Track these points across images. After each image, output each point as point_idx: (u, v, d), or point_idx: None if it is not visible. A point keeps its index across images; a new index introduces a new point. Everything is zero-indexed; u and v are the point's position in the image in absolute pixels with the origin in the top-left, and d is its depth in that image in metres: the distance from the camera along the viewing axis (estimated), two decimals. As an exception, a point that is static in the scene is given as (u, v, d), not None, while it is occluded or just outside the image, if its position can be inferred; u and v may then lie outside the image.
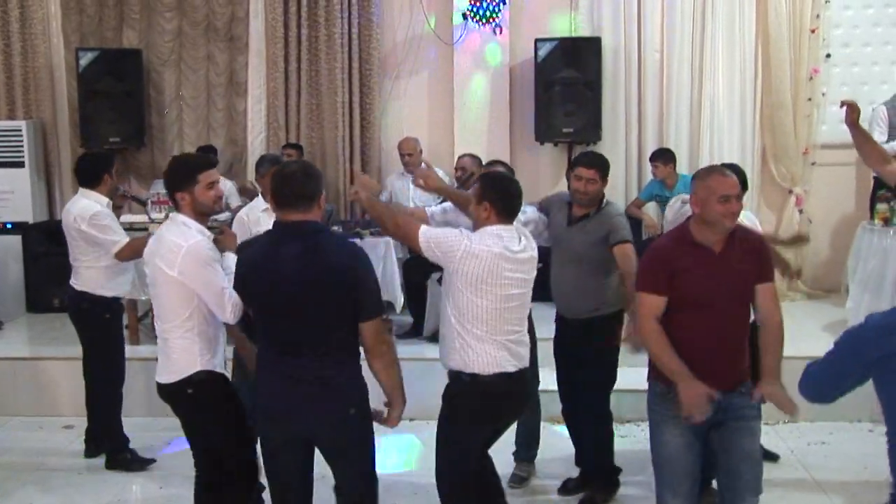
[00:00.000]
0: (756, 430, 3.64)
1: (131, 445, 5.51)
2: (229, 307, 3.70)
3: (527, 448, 5.18)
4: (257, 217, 5.55)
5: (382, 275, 6.58)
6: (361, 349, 3.46)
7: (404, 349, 6.61)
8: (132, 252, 5.17)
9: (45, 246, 7.92)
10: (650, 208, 7.95)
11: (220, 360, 3.89)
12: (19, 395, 6.58)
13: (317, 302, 3.31)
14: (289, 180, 3.38)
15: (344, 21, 8.29)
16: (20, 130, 8.40)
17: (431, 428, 3.94)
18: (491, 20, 8.00)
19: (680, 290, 3.49)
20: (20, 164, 8.40)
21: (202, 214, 3.89)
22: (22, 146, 8.39)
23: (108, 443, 5.52)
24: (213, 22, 8.58)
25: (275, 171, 3.59)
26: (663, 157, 7.55)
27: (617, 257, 4.53)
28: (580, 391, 4.88)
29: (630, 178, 8.37)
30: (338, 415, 3.39)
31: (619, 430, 6.03)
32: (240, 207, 7.33)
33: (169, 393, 3.88)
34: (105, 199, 5.36)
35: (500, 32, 8.13)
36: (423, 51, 8.46)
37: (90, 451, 5.62)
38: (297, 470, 3.53)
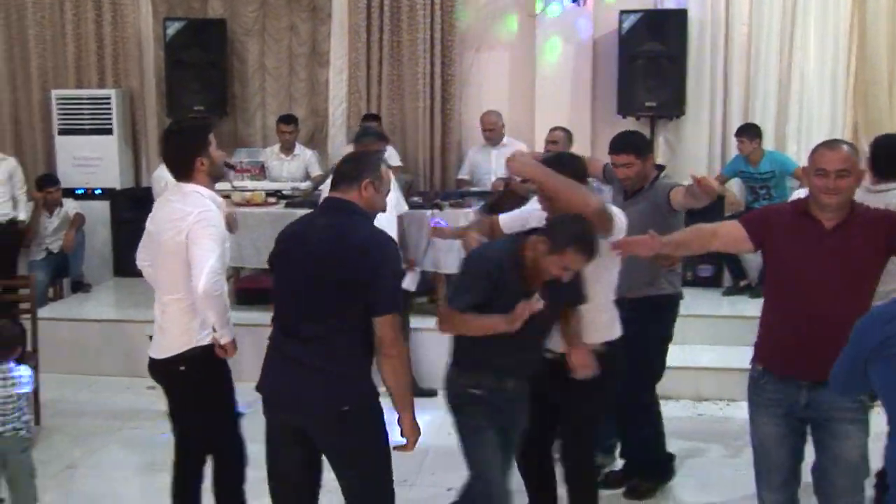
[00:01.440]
0: (851, 434, 3.29)
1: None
2: (208, 268, 3.47)
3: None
4: None
5: (461, 249, 6.57)
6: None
7: (481, 321, 6.65)
8: None
9: (132, 212, 8.09)
10: (733, 185, 7.82)
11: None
12: (106, 356, 6.78)
13: (328, 281, 3.13)
14: (341, 162, 3.43)
15: (427, -9, 8.26)
16: (109, 99, 8.60)
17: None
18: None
19: (781, 259, 3.36)
20: (109, 132, 8.62)
21: (215, 179, 3.79)
22: (111, 114, 8.60)
23: None
24: (297, -8, 8.63)
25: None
26: (749, 132, 7.39)
27: (678, 195, 4.31)
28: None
29: (713, 154, 8.20)
30: (331, 410, 3.13)
31: (696, 407, 6.00)
32: (321, 177, 7.42)
33: (161, 369, 3.72)
34: None
35: (584, 4, 8.01)
36: (506, 22, 8.39)
37: (173, 413, 5.76)
38: (296, 463, 3.30)
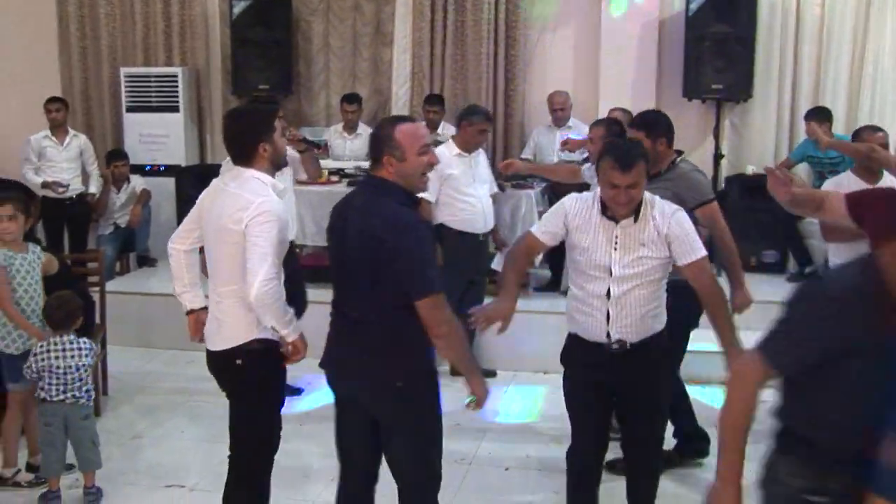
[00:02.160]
0: None
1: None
2: (262, 276, 3.28)
3: None
4: (448, 160, 5.63)
5: (522, 227, 6.57)
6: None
7: (542, 303, 6.63)
8: None
9: (197, 188, 8.05)
10: (801, 169, 7.66)
11: None
12: (171, 330, 6.82)
13: (360, 264, 3.14)
14: None
15: (491, -29, 8.20)
16: (176, 76, 8.71)
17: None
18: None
19: None
20: (175, 109, 8.73)
21: (277, 167, 3.62)
22: (177, 92, 8.71)
23: None
24: (362, -29, 8.64)
25: None
26: (818, 116, 7.22)
27: (703, 221, 4.24)
28: None
29: (781, 138, 8.07)
30: (384, 386, 3.19)
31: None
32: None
33: (220, 363, 3.58)
34: None
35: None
36: (571, 2, 8.31)
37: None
38: (359, 429, 3.34)
